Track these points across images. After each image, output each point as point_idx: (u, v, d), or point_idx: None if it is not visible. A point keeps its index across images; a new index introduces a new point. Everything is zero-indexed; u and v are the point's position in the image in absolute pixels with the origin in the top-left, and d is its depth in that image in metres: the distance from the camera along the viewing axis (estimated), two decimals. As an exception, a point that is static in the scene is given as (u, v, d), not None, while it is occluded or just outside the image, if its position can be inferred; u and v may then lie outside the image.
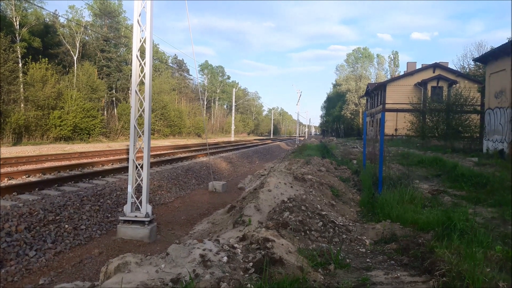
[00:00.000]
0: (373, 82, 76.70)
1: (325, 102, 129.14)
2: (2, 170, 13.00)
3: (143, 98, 8.91)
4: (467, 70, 51.97)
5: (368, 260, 5.35)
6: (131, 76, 10.61)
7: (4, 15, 39.45)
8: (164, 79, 72.02)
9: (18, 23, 39.85)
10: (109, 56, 56.39)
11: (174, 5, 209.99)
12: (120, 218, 8.96)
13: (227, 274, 3.81)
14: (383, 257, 5.44)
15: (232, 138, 62.83)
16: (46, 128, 35.68)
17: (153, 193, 12.94)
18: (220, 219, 9.50)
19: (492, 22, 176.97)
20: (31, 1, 41.95)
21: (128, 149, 12.17)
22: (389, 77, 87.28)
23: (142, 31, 8.91)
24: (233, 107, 68.45)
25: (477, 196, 9.85)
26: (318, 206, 7.86)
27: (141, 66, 8.99)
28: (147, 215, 8.81)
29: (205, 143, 35.39)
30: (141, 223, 8.83)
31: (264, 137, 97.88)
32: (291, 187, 9.51)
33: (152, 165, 16.36)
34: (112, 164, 16.92)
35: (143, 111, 8.96)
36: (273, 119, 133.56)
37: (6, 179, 11.68)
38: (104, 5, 57.55)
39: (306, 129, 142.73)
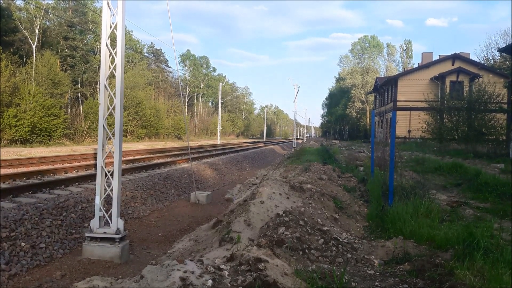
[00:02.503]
0: (382, 76, 77.18)
1: (326, 99, 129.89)
2: None
3: (114, 93, 8.87)
4: (492, 62, 52.53)
5: (377, 283, 5.36)
6: (99, 68, 10.56)
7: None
8: (138, 71, 71.90)
9: (-34, 5, 39.63)
10: (74, 44, 56.11)
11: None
12: (87, 234, 8.89)
13: (212, 300, 3.80)
14: (395, 280, 5.45)
15: (219, 140, 62.82)
16: (-1, 128, 35.42)
17: (126, 205, 12.89)
18: (204, 236, 9.48)
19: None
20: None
21: (95, 154, 12.08)
22: (401, 70, 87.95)
23: (113, 15, 8.88)
24: (220, 105, 68.46)
25: (503, 208, 9.91)
26: (319, 220, 7.87)
27: (111, 56, 8.96)
28: (118, 231, 8.76)
29: (186, 146, 35.29)
30: (111, 240, 8.77)
31: (256, 140, 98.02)
32: (287, 198, 9.52)
33: (124, 172, 16.29)
34: (77, 171, 16.82)
35: (113, 109, 8.92)
36: (266, 119, 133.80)
37: (-49, 189, 11.57)
38: (69, -15, 57.47)
39: (305, 131, 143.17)
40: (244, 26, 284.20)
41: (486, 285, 4.25)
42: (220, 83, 73.07)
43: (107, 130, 8.97)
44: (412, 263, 5.85)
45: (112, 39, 8.92)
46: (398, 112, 39.93)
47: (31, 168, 17.27)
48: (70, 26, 55.87)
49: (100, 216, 8.82)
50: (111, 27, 8.89)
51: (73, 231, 10.02)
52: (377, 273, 5.83)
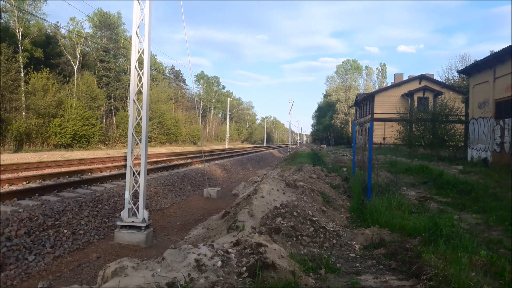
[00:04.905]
0: (361, 92, 77.21)
1: (316, 111, 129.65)
2: (3, 176, 12.89)
3: (141, 107, 8.88)
4: (452, 81, 52.45)
5: (357, 264, 5.33)
6: (129, 85, 10.61)
7: (7, 26, 39.38)
8: (161, 88, 71.98)
9: (20, 34, 39.74)
10: (108, 66, 56.28)
11: (171, 18, 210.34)
12: (118, 223, 8.89)
13: (221, 278, 3.78)
14: (372, 262, 5.43)
15: (227, 145, 62.78)
16: (46, 135, 35.48)
17: (150, 199, 12.87)
18: (214, 225, 9.45)
19: (475, 36, 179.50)
20: (33, 13, 41.88)
21: (126, 156, 12.01)
22: (377, 88, 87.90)
23: (141, 42, 8.91)
24: (228, 116, 68.47)
25: (462, 202, 9.89)
26: (310, 212, 7.84)
27: (139, 76, 8.98)
28: (143, 221, 8.75)
29: (200, 150, 35.28)
30: (138, 228, 8.76)
31: (258, 145, 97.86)
32: (284, 193, 9.49)
33: (149, 171, 16.29)
34: (110, 171, 16.82)
35: (140, 119, 8.93)
36: (266, 128, 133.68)
37: (7, 185, 11.58)
38: (104, 17, 57.62)
39: (298, 137, 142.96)
40: (248, 52, 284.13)
41: (448, 266, 4.22)
42: (228, 98, 73.05)
43: (135, 137, 8.98)
44: (386, 248, 5.83)
45: (140, 62, 8.94)
46: (375, 123, 40.18)
47: (72, 168, 17.27)
48: (105, 51, 56.05)
49: (129, 208, 8.82)
50: (139, 52, 8.92)
51: (107, 220, 10.01)
52: (358, 256, 5.80)
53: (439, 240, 5.57)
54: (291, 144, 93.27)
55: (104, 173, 15.84)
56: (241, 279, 3.94)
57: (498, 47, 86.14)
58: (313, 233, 6.45)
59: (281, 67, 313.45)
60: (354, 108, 68.72)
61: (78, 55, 49.81)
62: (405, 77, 50.37)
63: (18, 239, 7.37)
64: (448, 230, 6.05)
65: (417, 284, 4.17)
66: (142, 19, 8.77)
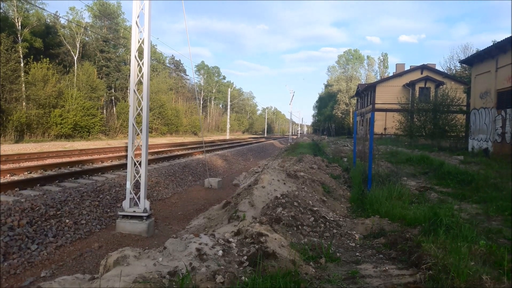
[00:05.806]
0: (363, 82, 76.89)
1: (317, 102, 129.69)
2: (5, 167, 12.94)
3: (141, 97, 8.88)
4: (454, 71, 52.28)
5: (357, 254, 5.37)
6: (129, 76, 10.57)
7: (6, 16, 39.20)
8: (161, 79, 71.91)
9: (20, 24, 39.59)
10: (108, 56, 56.14)
11: (171, 7, 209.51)
12: (119, 213, 8.94)
13: (222, 267, 3.82)
14: (372, 251, 5.47)
15: (228, 136, 62.77)
16: (47, 126, 35.52)
17: (151, 189, 12.92)
18: (215, 215, 9.50)
19: (477, 26, 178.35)
20: (32, 2, 41.71)
21: (126, 147, 12.00)
22: (378, 78, 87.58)
23: (141, 32, 8.89)
24: (228, 107, 68.38)
25: (462, 193, 9.93)
26: (310, 202, 7.88)
27: (139, 66, 8.97)
28: (145, 211, 8.80)
29: (201, 141, 35.30)
30: (139, 218, 8.82)
31: (258, 136, 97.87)
32: (284, 183, 9.52)
33: (150, 162, 16.31)
34: (111, 161, 16.85)
35: (141, 110, 8.93)
36: (267, 118, 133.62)
37: (8, 175, 11.62)
38: (104, 7, 57.35)
39: (299, 128, 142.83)
40: (248, 42, 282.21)
41: (447, 256, 4.26)
42: (229, 89, 72.91)
43: (136, 127, 8.99)
44: (386, 238, 5.86)
45: (140, 52, 8.93)
46: (376, 113, 40.09)
47: (73, 158, 17.31)
48: (105, 41, 55.85)
49: (130, 198, 8.87)
50: (139, 42, 8.90)
51: (108, 210, 10.07)
52: (358, 246, 5.84)
53: (439, 230, 5.61)
54: (292, 135, 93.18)
55: (105, 164, 15.87)
56: (242, 268, 3.99)
57: (500, 37, 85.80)
58: (314, 223, 6.49)
59: (282, 57, 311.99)
60: (356, 98, 68.58)
61: (78, 45, 49.65)
62: (407, 67, 50.21)
63: (20, 228, 7.43)
64: (448, 220, 6.08)
65: (417, 273, 4.21)
66: (142, 9, 8.74)
